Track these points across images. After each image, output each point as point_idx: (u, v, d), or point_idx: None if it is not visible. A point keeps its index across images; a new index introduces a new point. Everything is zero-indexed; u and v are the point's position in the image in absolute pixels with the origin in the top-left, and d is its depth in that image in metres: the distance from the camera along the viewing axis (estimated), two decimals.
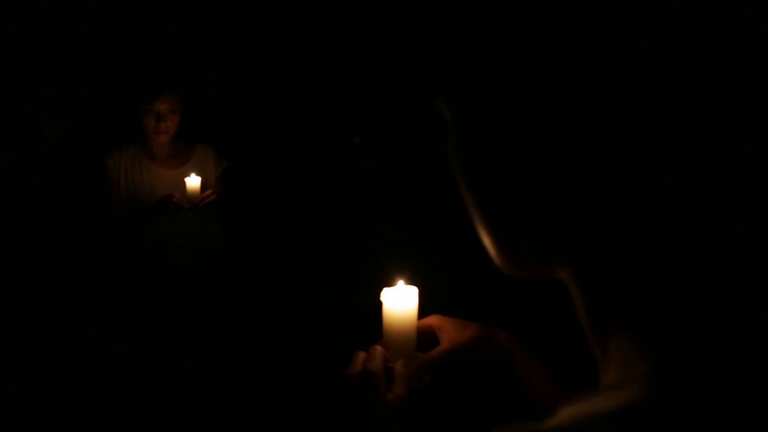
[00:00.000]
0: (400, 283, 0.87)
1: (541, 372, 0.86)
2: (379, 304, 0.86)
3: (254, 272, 2.92)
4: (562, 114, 0.36)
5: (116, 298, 2.42)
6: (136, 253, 2.38)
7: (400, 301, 0.84)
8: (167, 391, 2.34)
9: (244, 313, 2.69)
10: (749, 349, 0.35)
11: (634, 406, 0.33)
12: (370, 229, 2.88)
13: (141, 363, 2.35)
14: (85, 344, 2.50)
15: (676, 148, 0.35)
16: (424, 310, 0.88)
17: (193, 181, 2.29)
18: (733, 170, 0.35)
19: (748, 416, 0.33)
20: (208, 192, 2.31)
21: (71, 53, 2.85)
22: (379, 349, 0.79)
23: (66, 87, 2.86)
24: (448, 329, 0.88)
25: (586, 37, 0.36)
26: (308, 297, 2.93)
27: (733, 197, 0.35)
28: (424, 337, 0.88)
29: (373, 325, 0.90)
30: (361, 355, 0.79)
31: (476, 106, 0.41)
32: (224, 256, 2.54)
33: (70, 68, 2.86)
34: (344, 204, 3.16)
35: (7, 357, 2.42)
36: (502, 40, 0.38)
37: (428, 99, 0.45)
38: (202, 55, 3.04)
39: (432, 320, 0.89)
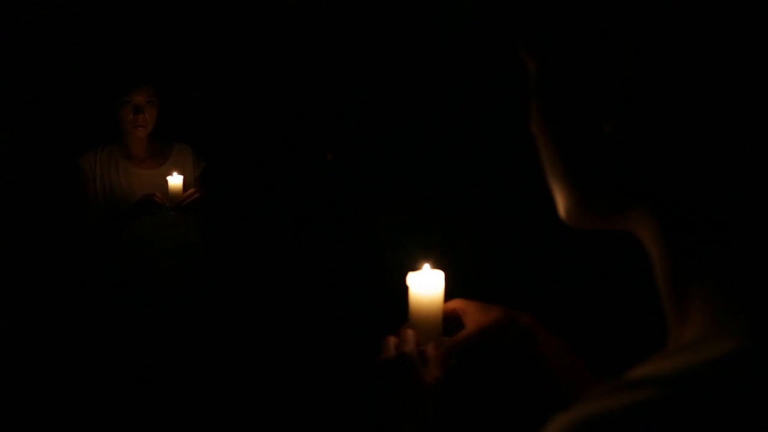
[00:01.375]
0: (426, 267, 0.88)
1: (566, 353, 0.87)
2: (405, 288, 0.87)
3: (236, 271, 2.88)
4: (649, 61, 0.37)
5: (97, 300, 2.36)
6: (116, 254, 2.32)
7: (426, 285, 0.85)
8: (151, 391, 2.30)
9: (230, 312, 2.66)
10: None
11: (734, 355, 0.32)
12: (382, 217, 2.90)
13: (123, 364, 2.30)
14: (66, 346, 2.45)
15: None
16: (448, 294, 0.89)
17: (175, 180, 2.24)
18: None
19: None
20: (191, 191, 2.26)
21: (40, 50, 2.76)
22: (410, 332, 0.79)
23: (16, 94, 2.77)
24: (473, 312, 0.89)
25: None
26: (297, 292, 2.93)
27: None
28: (448, 320, 0.89)
29: (395, 310, 0.91)
30: (392, 340, 0.79)
31: (563, 56, 0.42)
32: (203, 257, 2.50)
33: (34, 72, 2.77)
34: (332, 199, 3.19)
35: None
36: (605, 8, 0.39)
37: (514, 50, 0.47)
38: (180, 50, 3.00)
39: (456, 304, 0.91)
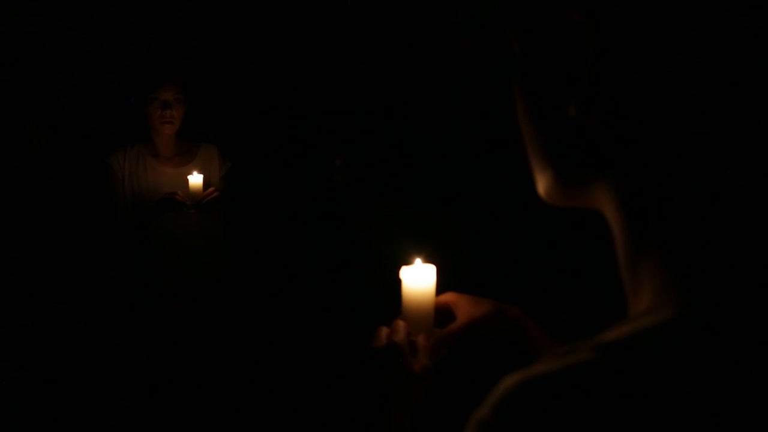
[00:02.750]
0: (418, 262, 0.90)
1: (553, 345, 0.90)
2: (398, 281, 0.89)
3: (259, 270, 2.94)
4: (606, 53, 0.41)
5: (121, 297, 2.43)
6: (141, 251, 2.39)
7: (418, 279, 0.88)
8: (172, 389, 2.36)
9: (250, 309, 2.71)
10: None
11: (665, 325, 0.35)
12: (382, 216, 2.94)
13: (145, 362, 2.36)
14: (89, 344, 2.51)
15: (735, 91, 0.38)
16: (439, 287, 0.92)
17: (195, 179, 2.30)
18: None
19: None
20: (211, 189, 2.32)
21: (69, 55, 2.85)
22: (401, 323, 0.83)
23: (53, 97, 2.86)
24: (464, 305, 0.91)
25: None
26: (316, 291, 2.97)
27: None
28: (440, 313, 0.92)
29: (390, 303, 0.94)
30: (384, 330, 0.82)
31: (544, 39, 0.46)
32: (228, 255, 2.55)
33: (66, 74, 2.86)
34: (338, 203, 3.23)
35: (12, 357, 2.43)
36: None
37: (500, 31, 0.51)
38: (206, 51, 3.07)
39: (448, 297, 0.93)
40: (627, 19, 0.40)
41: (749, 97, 0.38)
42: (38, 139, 2.82)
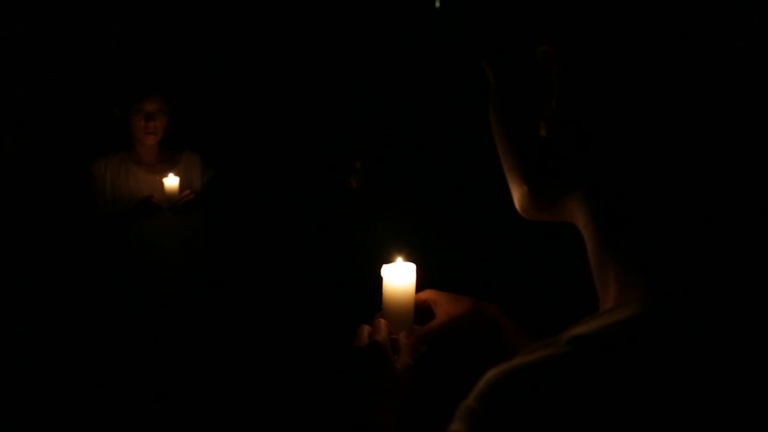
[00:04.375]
0: (399, 260, 0.92)
1: (531, 342, 0.92)
2: (379, 279, 0.91)
3: (243, 270, 2.95)
4: (567, 79, 0.46)
5: (104, 298, 2.44)
6: (124, 254, 2.42)
7: (399, 277, 0.90)
8: (154, 388, 2.36)
9: (232, 309, 2.71)
10: (736, 282, 0.42)
11: (627, 321, 0.40)
12: (366, 214, 2.96)
13: (127, 361, 2.36)
14: (77, 345, 2.50)
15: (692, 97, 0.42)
16: (419, 285, 0.93)
17: (171, 181, 2.34)
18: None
19: (735, 333, 0.39)
20: (186, 192, 2.36)
21: (52, 59, 2.85)
22: (383, 321, 0.84)
23: (29, 102, 2.86)
24: (443, 303, 0.93)
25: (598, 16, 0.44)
26: (299, 290, 2.98)
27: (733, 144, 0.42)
28: (420, 310, 0.94)
29: (369, 302, 0.95)
30: (366, 328, 0.83)
31: (515, 70, 0.51)
32: (209, 256, 2.58)
33: (41, 76, 2.85)
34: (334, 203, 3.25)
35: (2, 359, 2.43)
36: (535, 20, 0.48)
37: (478, 65, 0.57)
38: (190, 61, 3.07)
39: (428, 294, 0.95)
40: (591, 48, 0.44)
41: (702, 115, 0.42)
42: (9, 144, 2.80)
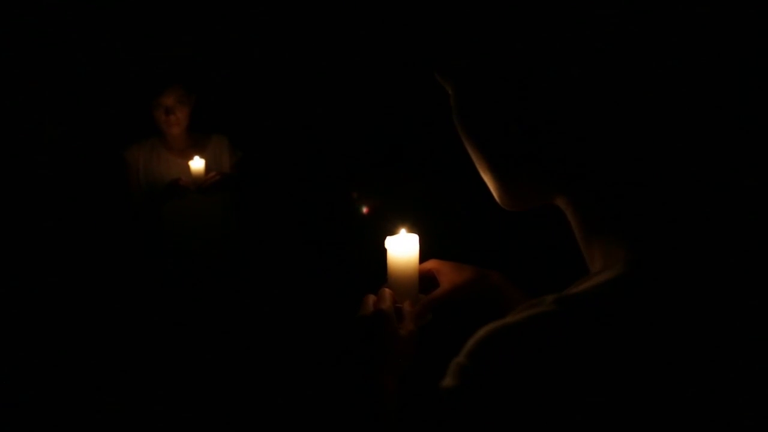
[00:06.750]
0: (402, 232, 0.94)
1: None
2: (384, 251, 0.93)
3: (265, 255, 3.01)
4: (532, 83, 0.49)
5: (140, 279, 2.56)
6: (157, 235, 2.53)
7: (402, 248, 0.92)
8: (181, 375, 2.45)
9: (253, 296, 2.78)
10: (709, 247, 0.45)
11: (607, 283, 0.43)
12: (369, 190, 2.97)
13: (160, 349, 2.46)
14: (102, 333, 2.61)
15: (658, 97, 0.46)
16: (423, 256, 0.96)
17: (196, 164, 2.40)
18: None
19: (709, 290, 0.42)
20: (212, 174, 2.42)
21: (74, 54, 2.90)
22: (387, 291, 0.86)
23: (67, 90, 2.93)
24: (446, 272, 0.95)
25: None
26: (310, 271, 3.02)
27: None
28: (424, 280, 0.96)
29: (377, 272, 0.97)
30: (371, 298, 0.86)
31: (471, 82, 0.54)
32: (237, 236, 2.67)
33: (73, 70, 2.92)
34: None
35: (28, 345, 2.51)
36: (493, 36, 0.51)
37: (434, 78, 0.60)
38: (208, 46, 3.08)
39: (431, 264, 0.97)
40: (554, 51, 0.47)
41: (666, 105, 0.46)
42: (50, 131, 2.88)
